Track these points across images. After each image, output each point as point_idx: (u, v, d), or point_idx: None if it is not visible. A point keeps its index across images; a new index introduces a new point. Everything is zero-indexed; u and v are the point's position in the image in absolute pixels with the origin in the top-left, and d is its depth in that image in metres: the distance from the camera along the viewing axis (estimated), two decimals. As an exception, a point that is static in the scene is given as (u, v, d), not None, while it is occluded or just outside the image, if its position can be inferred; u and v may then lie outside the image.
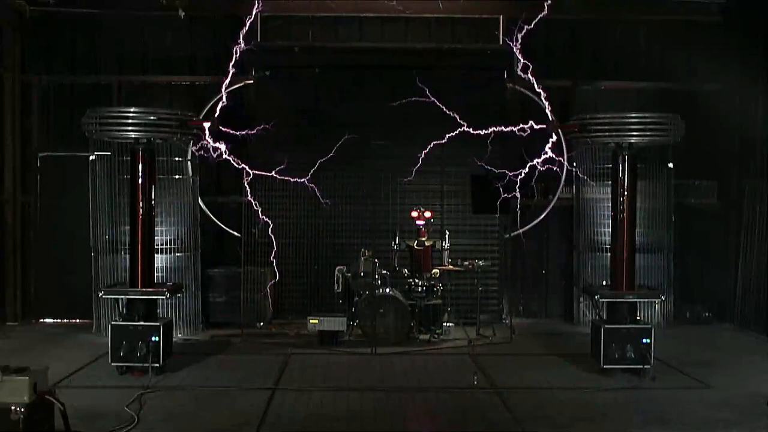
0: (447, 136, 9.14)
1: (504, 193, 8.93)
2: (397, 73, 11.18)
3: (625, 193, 8.03)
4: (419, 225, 9.97)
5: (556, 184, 11.11)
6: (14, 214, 11.04)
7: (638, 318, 8.14)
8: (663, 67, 11.41)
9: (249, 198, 8.52)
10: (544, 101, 8.22)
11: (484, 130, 8.86)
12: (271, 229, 8.63)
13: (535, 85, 8.24)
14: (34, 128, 11.24)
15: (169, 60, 11.33)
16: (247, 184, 8.40)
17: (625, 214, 8.04)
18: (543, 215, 11.25)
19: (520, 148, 10.70)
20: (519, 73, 8.61)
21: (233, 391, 7.31)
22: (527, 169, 8.55)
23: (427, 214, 9.94)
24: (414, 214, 10.01)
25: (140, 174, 7.96)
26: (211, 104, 10.62)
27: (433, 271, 9.86)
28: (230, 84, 10.32)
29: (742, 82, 10.88)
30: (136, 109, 7.96)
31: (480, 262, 10.02)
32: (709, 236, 11.47)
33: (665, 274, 10.70)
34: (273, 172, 8.71)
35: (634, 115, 8.00)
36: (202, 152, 8.43)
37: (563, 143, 10.55)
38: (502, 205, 9.83)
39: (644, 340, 7.67)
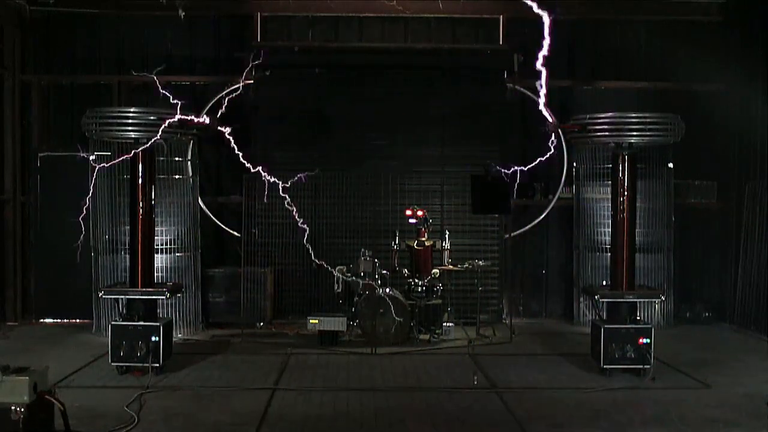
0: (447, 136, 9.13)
1: (504, 193, 8.93)
2: (397, 73, 11.20)
3: (625, 193, 8.02)
4: (412, 223, 9.97)
5: (556, 184, 11.13)
6: (14, 214, 11.03)
7: (638, 318, 8.13)
8: (663, 67, 11.40)
9: None
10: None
11: (483, 130, 8.89)
12: (272, 229, 8.62)
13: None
14: (34, 128, 11.22)
15: (170, 60, 11.32)
16: (247, 183, 8.38)
17: (625, 214, 8.04)
18: (543, 215, 11.25)
19: (520, 148, 10.78)
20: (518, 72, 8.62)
21: (233, 391, 7.31)
22: (526, 169, 8.55)
23: (420, 213, 9.94)
24: (408, 212, 10.03)
25: (140, 174, 7.95)
26: (210, 104, 10.64)
27: (433, 271, 9.86)
28: (229, 84, 10.38)
29: (742, 82, 10.87)
30: (136, 109, 7.97)
31: (480, 262, 10.02)
32: (709, 236, 11.47)
33: (665, 274, 10.69)
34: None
35: (634, 115, 8.00)
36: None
37: (563, 143, 10.56)
38: (502, 205, 9.84)
39: (644, 340, 7.67)
